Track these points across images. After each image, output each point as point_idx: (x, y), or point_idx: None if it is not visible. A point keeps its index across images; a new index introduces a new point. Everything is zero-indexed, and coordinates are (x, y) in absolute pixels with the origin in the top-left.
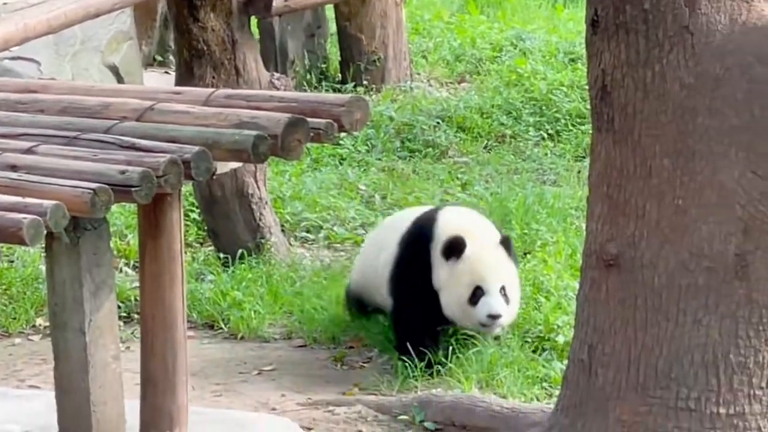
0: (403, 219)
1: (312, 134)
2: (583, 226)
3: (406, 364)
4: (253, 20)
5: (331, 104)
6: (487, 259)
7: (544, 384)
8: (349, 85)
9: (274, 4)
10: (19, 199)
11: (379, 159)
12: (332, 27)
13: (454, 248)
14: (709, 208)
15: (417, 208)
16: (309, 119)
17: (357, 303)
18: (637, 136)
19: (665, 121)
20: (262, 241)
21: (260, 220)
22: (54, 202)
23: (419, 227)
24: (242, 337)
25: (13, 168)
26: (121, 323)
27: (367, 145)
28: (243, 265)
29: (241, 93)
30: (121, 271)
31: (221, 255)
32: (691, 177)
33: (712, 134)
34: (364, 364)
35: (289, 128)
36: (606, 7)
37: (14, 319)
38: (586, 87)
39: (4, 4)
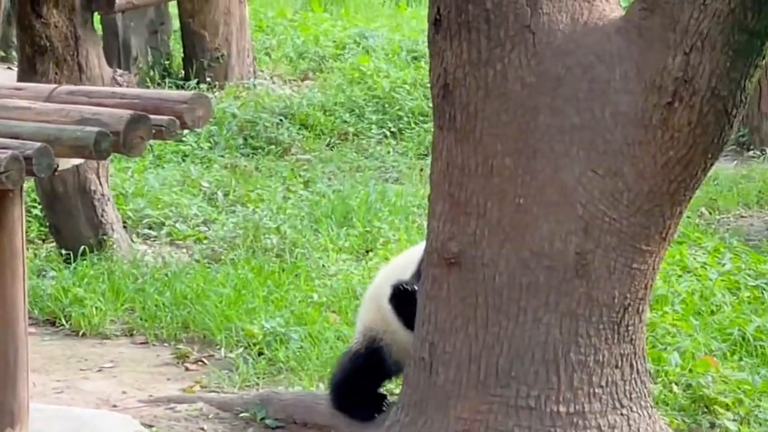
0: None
1: (154, 131)
2: (425, 224)
3: (248, 361)
4: (96, 16)
5: (174, 101)
6: None
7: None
8: (192, 82)
9: (116, 0)
10: None
11: (222, 156)
12: (175, 24)
13: None
14: (550, 206)
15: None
16: (151, 116)
17: (377, 373)
18: (478, 134)
19: (507, 120)
20: (104, 237)
21: (102, 216)
22: None
23: None
24: (84, 334)
25: None
26: None
27: (209, 142)
28: (85, 262)
29: (84, 89)
30: None
31: (63, 251)
32: (533, 176)
33: (554, 133)
34: (206, 362)
35: (131, 125)
36: (448, 6)
37: None
38: (429, 85)
39: None
